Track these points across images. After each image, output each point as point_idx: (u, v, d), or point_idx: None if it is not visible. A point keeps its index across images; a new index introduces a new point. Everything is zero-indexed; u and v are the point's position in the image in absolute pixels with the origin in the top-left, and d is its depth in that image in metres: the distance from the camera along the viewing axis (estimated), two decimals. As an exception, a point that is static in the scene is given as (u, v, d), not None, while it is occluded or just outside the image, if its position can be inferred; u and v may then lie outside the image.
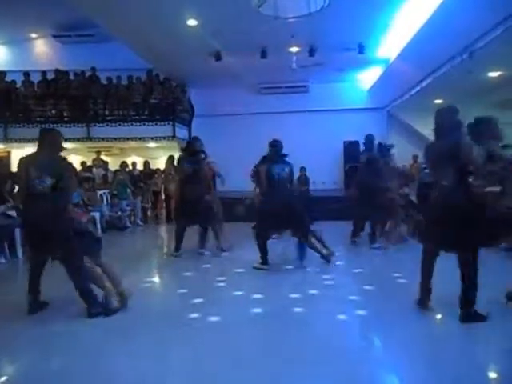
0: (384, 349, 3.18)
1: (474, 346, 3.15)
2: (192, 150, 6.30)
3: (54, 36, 12.64)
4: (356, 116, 12.59)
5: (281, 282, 4.92)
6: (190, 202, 6.10)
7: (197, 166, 6.17)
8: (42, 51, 13.26)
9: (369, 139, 6.72)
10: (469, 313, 3.36)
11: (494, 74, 8.73)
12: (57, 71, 12.29)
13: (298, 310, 3.89)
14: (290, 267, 5.50)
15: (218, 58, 9.64)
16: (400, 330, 3.38)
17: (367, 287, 4.50)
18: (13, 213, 6.46)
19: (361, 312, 3.79)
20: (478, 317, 3.35)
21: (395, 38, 8.48)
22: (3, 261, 6.07)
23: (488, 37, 6.61)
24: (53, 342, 3.30)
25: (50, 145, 3.83)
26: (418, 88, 10.00)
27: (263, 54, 9.47)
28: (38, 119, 11.60)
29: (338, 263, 5.60)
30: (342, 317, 3.69)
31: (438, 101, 11.20)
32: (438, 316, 3.68)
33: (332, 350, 3.05)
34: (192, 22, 7.93)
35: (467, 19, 6.19)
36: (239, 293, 4.45)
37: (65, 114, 11.83)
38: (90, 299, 3.75)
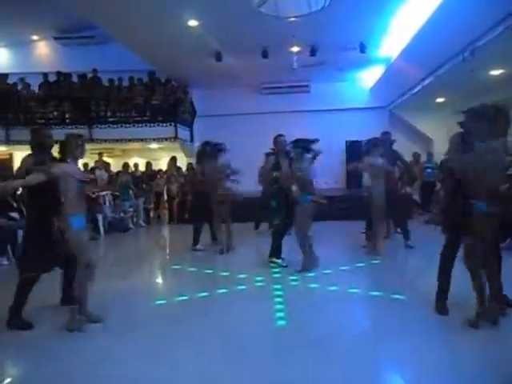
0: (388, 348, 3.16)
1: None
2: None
3: (56, 38, 12.69)
4: (358, 115, 12.58)
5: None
6: None
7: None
8: (44, 53, 13.29)
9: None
10: None
11: (495, 73, 8.69)
12: (58, 73, 12.33)
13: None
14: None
15: (219, 58, 9.64)
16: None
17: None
18: (15, 215, 6.47)
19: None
20: None
21: (396, 36, 8.46)
22: (6, 262, 6.08)
23: (489, 35, 6.57)
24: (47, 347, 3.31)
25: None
26: (419, 87, 9.96)
27: (264, 54, 9.46)
28: (39, 121, 11.63)
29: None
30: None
31: (440, 99, 11.18)
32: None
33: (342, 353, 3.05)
34: (193, 23, 7.93)
35: (468, 17, 6.17)
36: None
37: (66, 116, 11.84)
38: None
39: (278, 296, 4.24)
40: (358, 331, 3.46)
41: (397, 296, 4.06)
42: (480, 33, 6.71)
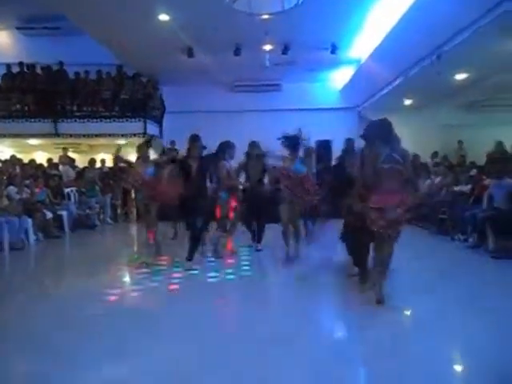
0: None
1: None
2: None
3: (18, 28, 12.14)
4: (328, 116, 12.66)
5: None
6: None
7: None
8: (6, 43, 12.70)
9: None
10: None
11: (460, 77, 8.95)
12: (21, 64, 11.84)
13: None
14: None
15: (191, 54, 9.52)
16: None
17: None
18: None
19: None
20: None
21: (367, 38, 8.59)
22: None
23: (455, 40, 6.77)
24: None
25: None
26: (388, 88, 10.16)
27: (237, 52, 9.40)
28: (1, 113, 11.17)
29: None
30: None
31: (408, 101, 11.44)
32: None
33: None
34: (164, 17, 7.78)
35: (436, 21, 6.33)
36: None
37: (30, 109, 11.39)
38: None
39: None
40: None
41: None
42: (447, 37, 6.90)
